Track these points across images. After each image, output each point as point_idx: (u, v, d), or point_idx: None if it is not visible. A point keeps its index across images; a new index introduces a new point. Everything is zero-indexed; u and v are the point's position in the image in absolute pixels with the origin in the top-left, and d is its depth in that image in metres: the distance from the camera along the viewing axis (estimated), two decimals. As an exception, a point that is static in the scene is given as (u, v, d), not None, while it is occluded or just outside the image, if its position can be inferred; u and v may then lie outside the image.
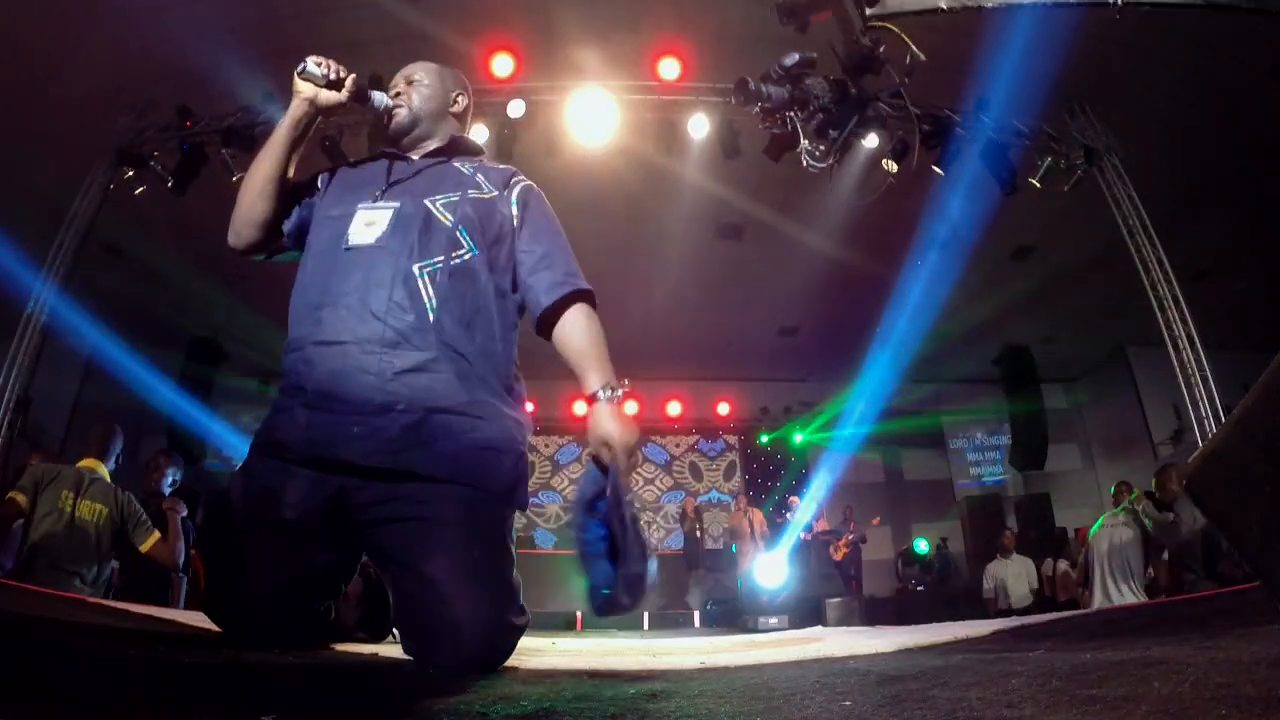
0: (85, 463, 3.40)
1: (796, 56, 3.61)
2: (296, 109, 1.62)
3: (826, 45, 3.47)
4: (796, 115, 4.11)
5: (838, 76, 3.73)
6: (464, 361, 1.46)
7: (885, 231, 6.68)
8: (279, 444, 1.44)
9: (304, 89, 1.61)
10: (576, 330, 1.54)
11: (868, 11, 3.16)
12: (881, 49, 3.32)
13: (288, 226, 1.65)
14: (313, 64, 1.59)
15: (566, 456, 11.48)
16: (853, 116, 4.21)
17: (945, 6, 3.17)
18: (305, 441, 1.40)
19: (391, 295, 1.44)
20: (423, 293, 1.46)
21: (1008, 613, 6.46)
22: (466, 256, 1.52)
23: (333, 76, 1.60)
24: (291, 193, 1.66)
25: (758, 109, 3.79)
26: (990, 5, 3.36)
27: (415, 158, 1.69)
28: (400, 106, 1.70)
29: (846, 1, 3.20)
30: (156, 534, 3.43)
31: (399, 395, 1.39)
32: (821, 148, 4.29)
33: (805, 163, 4.26)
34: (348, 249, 1.50)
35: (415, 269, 1.47)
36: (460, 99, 1.79)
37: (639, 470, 11.60)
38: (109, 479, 3.43)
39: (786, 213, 7.02)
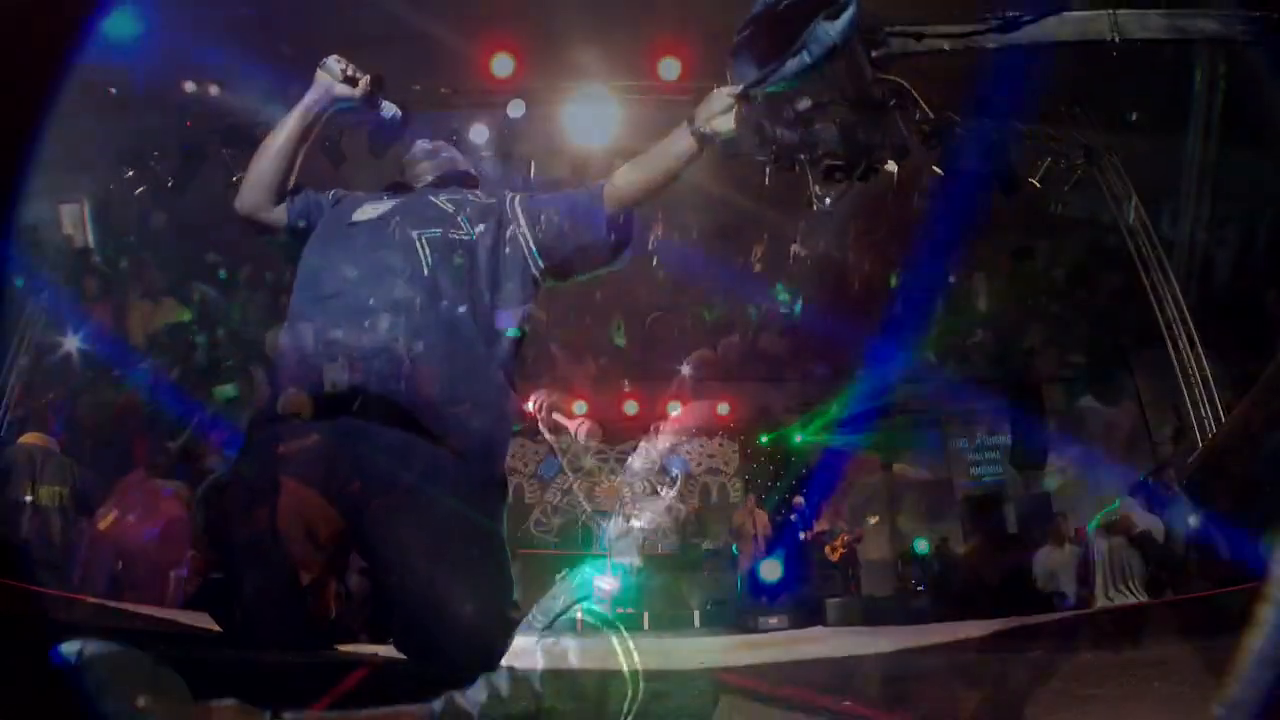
0: (28, 438, 3.27)
1: (809, 101, 3.60)
2: (312, 94, 1.76)
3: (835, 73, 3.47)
4: (805, 159, 4.13)
5: (845, 118, 3.76)
6: (455, 320, 1.53)
7: (886, 231, 6.68)
8: (278, 408, 1.47)
9: (322, 79, 1.75)
10: (622, 169, 1.67)
11: (873, 54, 3.19)
12: (892, 102, 3.37)
13: (292, 206, 1.73)
14: (333, 60, 1.76)
15: (550, 470, 11.29)
16: (860, 161, 4.25)
17: (948, 48, 3.23)
18: (304, 389, 1.45)
19: (389, 254, 1.55)
20: (420, 253, 1.56)
21: (1059, 604, 6.25)
22: (464, 236, 1.62)
23: (349, 74, 1.75)
24: (302, 189, 1.76)
25: (769, 153, 3.80)
26: (991, 46, 3.41)
27: (418, 187, 1.85)
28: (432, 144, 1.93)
29: (855, 49, 3.20)
30: (113, 514, 3.35)
31: (392, 343, 1.46)
32: (831, 194, 4.33)
33: (815, 206, 4.30)
34: (351, 224, 1.64)
35: (414, 234, 1.58)
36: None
37: (650, 479, 11.54)
38: (60, 451, 3.29)
39: (787, 213, 7.01)
